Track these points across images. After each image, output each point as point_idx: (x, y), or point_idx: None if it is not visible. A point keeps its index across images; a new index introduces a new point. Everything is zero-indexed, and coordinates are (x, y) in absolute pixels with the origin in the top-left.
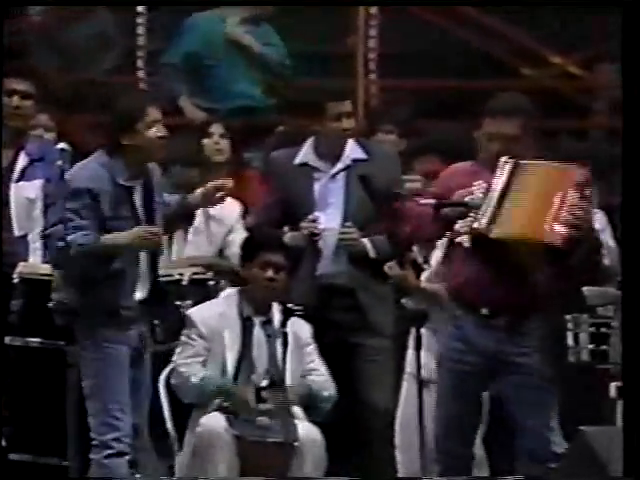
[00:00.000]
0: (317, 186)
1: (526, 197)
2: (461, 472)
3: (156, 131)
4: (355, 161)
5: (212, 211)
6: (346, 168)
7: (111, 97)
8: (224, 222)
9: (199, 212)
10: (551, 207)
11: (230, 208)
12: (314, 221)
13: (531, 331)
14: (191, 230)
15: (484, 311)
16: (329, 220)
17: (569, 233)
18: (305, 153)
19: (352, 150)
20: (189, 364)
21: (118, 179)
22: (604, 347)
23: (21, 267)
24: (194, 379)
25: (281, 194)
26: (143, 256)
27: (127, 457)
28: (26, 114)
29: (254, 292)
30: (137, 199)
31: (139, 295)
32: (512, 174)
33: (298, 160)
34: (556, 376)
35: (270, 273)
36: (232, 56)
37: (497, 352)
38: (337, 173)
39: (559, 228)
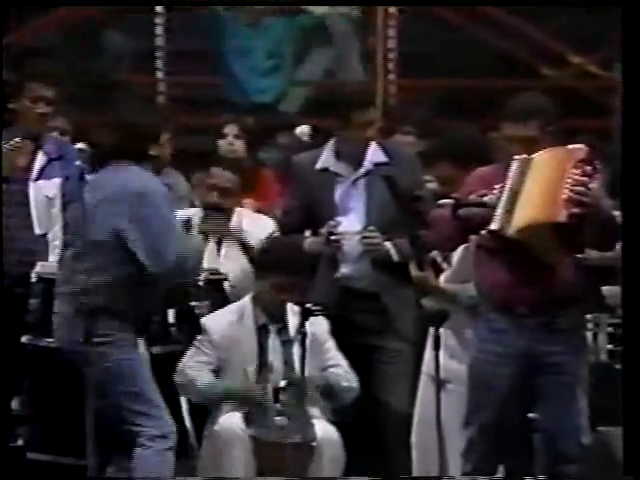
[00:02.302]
0: (339, 191)
1: (536, 188)
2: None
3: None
4: (376, 165)
5: (245, 226)
6: (367, 173)
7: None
8: (255, 237)
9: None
10: (555, 189)
11: (263, 225)
12: (334, 227)
13: (565, 329)
14: (223, 248)
15: (521, 310)
16: (351, 225)
17: (572, 209)
18: (325, 158)
19: (373, 154)
20: (197, 368)
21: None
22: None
23: (39, 267)
24: (199, 384)
25: (303, 198)
26: None
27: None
28: (47, 119)
29: (267, 302)
30: None
31: None
32: (522, 171)
33: (319, 165)
34: (587, 375)
35: (284, 296)
36: (254, 47)
37: (533, 352)
38: (358, 178)
39: (562, 205)
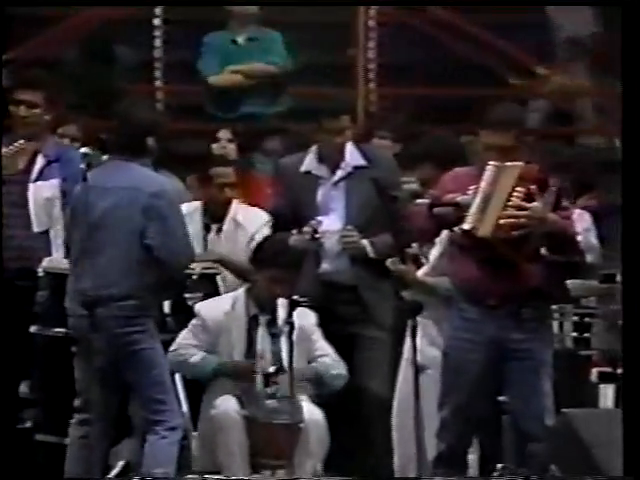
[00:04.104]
0: (320, 192)
1: (500, 198)
2: (460, 458)
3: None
4: (356, 168)
5: (240, 218)
6: (347, 175)
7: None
8: (248, 230)
9: (228, 219)
10: (502, 205)
11: (256, 217)
12: (316, 226)
13: (531, 318)
14: (222, 236)
15: (490, 302)
16: (331, 224)
17: (510, 226)
18: (309, 161)
19: (352, 157)
20: (189, 348)
21: None
22: (587, 335)
23: (46, 262)
24: (193, 359)
25: (289, 198)
26: None
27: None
28: (35, 122)
29: (260, 294)
30: None
31: None
32: (495, 176)
33: (303, 168)
34: (551, 360)
35: (277, 290)
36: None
37: (502, 340)
38: (339, 180)
39: (503, 222)
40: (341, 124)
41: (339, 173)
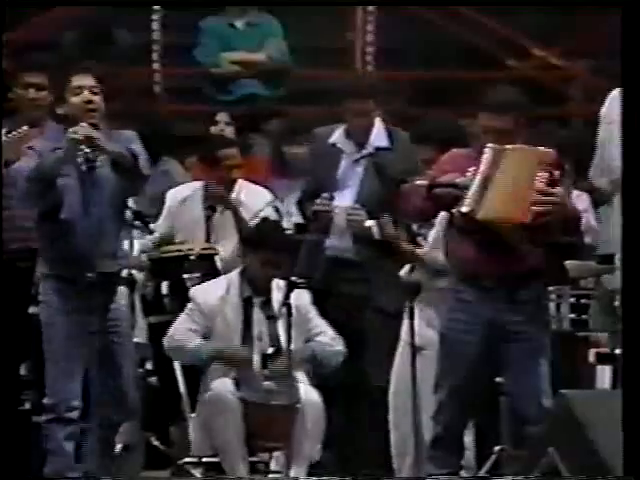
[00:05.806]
0: (342, 167)
1: (505, 181)
2: (456, 439)
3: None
4: (378, 149)
5: (242, 198)
6: (368, 155)
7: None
8: (250, 209)
9: (232, 198)
10: (523, 189)
11: (258, 196)
12: (327, 201)
13: (527, 300)
14: (226, 214)
15: (487, 283)
16: (343, 200)
17: (538, 212)
18: (337, 135)
19: (376, 138)
20: (186, 334)
21: None
22: (584, 316)
23: None
24: (190, 345)
25: (316, 166)
26: None
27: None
28: (42, 104)
29: (253, 277)
30: None
31: None
32: (495, 159)
33: (331, 140)
34: (548, 342)
35: (270, 271)
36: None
37: (498, 321)
38: (360, 158)
39: (528, 208)
40: (365, 108)
41: (362, 152)
